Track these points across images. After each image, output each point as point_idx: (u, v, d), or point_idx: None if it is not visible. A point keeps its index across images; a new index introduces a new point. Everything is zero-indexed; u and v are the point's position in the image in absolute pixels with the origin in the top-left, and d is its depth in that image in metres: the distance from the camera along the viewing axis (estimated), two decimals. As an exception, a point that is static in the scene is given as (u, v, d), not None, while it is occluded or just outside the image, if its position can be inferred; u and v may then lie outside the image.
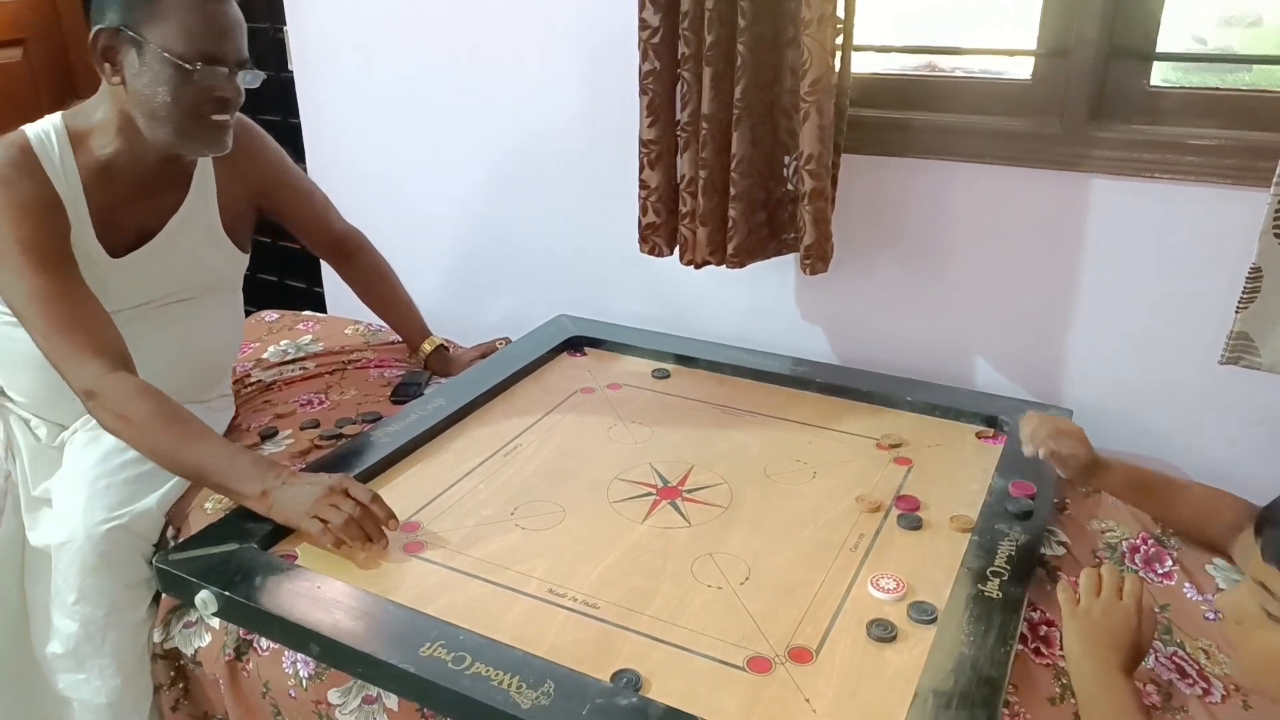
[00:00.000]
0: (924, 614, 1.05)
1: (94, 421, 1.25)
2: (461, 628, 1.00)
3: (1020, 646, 1.02)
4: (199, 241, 1.41)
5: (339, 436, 1.47)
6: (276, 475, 1.18)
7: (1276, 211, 1.18)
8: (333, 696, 1.08)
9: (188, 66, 1.20)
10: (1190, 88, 1.42)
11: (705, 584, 1.11)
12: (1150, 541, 1.21)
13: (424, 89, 1.96)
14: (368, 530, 1.15)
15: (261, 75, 1.30)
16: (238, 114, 1.32)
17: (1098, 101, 1.41)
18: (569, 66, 1.77)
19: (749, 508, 1.26)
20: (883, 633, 1.02)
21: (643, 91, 1.52)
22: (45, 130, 1.27)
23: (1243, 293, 1.22)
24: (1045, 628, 1.07)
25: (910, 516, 1.23)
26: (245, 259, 1.52)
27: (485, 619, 1.04)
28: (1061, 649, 0.96)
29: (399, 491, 1.30)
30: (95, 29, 1.21)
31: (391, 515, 1.18)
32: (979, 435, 1.43)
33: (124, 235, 1.33)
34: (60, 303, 1.21)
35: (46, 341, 1.20)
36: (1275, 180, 1.17)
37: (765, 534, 1.21)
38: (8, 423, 1.39)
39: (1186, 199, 1.37)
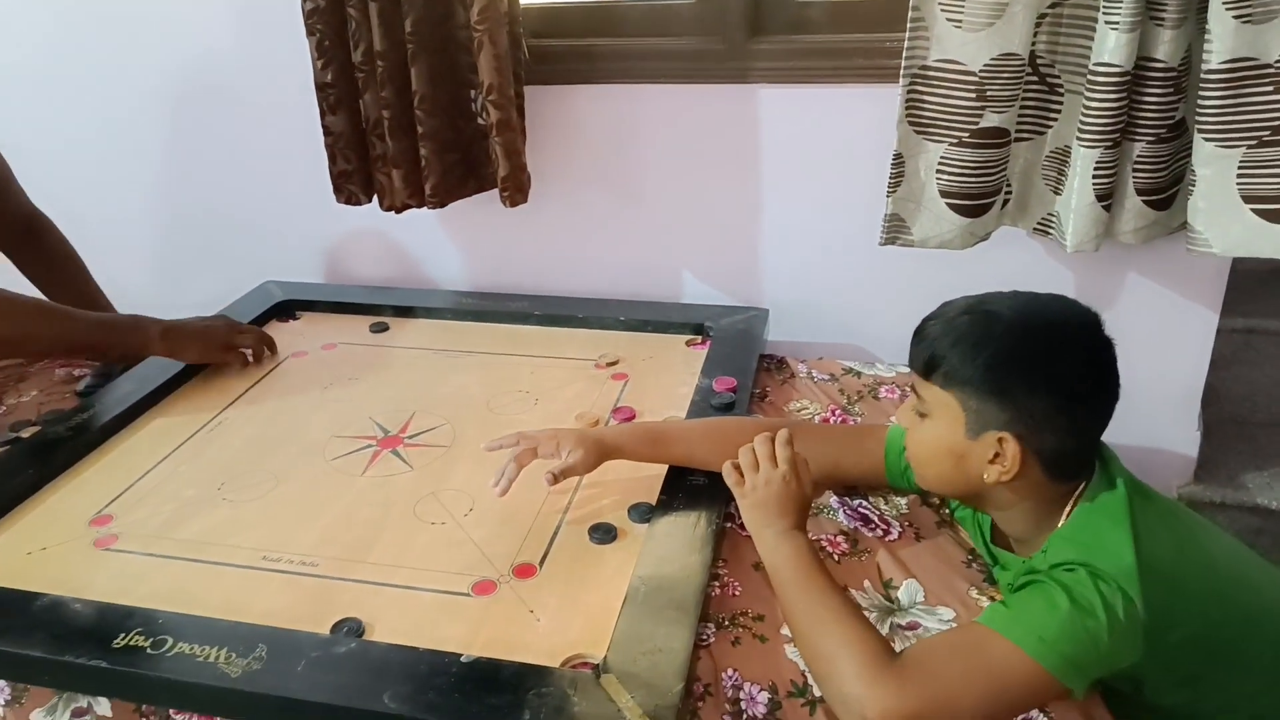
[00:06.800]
0: (642, 514, 1.10)
1: None
2: (161, 611, 0.94)
3: (729, 524, 1.10)
4: None
5: (15, 440, 1.32)
6: (156, 321, 1.37)
7: (905, 101, 1.31)
8: (37, 717, 0.98)
9: None
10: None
11: (429, 523, 1.11)
12: (838, 411, 1.33)
13: (66, 49, 1.76)
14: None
15: None
16: None
17: (754, 17, 1.50)
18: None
19: (472, 443, 1.26)
20: (604, 536, 1.07)
21: (310, 32, 1.45)
22: None
23: (889, 178, 1.35)
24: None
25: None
26: None
27: (188, 598, 0.98)
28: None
29: (87, 488, 1.19)
30: None
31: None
32: (688, 343, 1.51)
33: None
34: None
35: None
36: (901, 73, 1.29)
37: (488, 465, 1.20)
38: None
39: (837, 99, 1.48)
